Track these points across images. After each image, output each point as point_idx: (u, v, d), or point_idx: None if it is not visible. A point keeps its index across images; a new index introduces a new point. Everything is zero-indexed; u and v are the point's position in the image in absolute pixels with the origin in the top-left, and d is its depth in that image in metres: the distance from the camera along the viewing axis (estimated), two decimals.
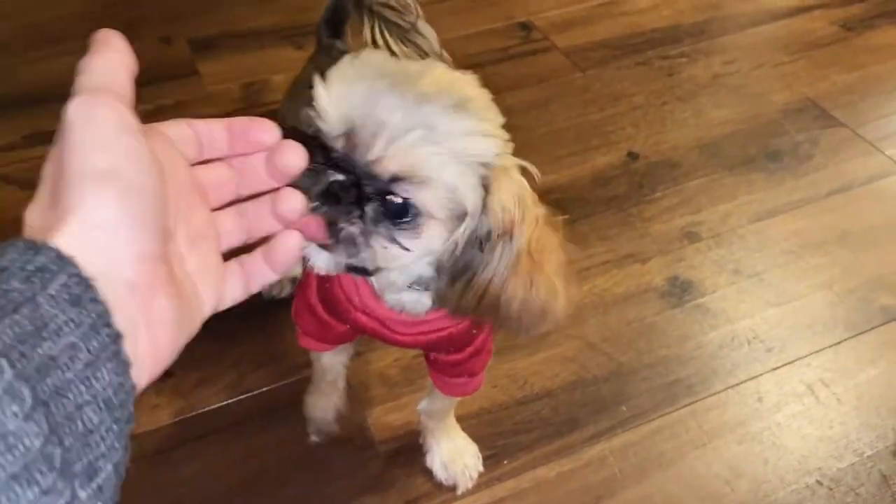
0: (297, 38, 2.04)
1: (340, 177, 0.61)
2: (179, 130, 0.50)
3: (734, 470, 1.21)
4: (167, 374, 1.37)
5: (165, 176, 0.43)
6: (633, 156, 1.76)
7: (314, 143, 0.62)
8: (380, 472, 1.20)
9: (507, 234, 0.67)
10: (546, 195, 1.67)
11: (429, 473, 1.20)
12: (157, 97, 1.90)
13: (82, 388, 0.35)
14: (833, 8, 2.23)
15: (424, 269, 0.72)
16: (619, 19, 2.17)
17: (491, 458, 1.22)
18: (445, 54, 1.06)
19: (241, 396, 1.30)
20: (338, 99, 0.62)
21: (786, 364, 1.35)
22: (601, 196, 1.66)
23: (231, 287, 0.50)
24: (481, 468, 1.20)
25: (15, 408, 0.31)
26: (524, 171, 0.69)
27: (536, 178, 0.69)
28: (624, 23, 2.16)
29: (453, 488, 1.18)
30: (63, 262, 0.36)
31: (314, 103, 0.63)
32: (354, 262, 0.65)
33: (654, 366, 1.35)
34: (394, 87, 0.62)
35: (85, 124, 0.40)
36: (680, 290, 1.47)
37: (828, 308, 1.44)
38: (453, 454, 1.18)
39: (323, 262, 0.65)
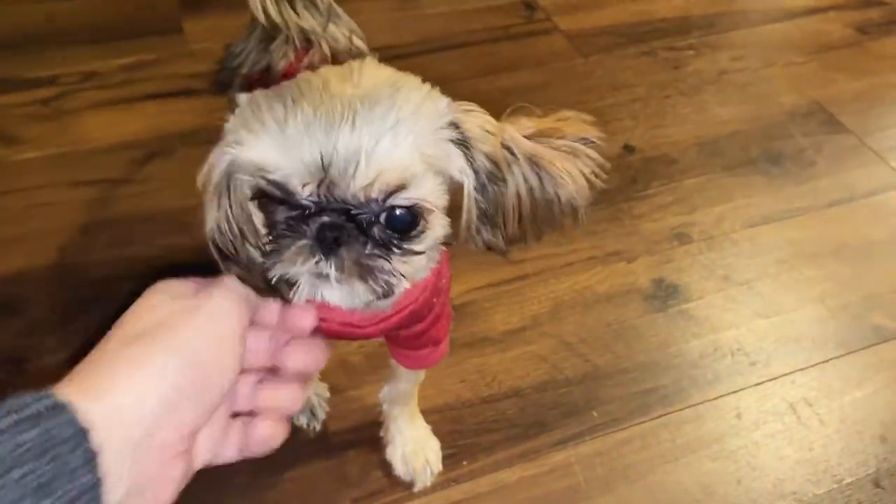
0: None
1: (328, 218, 0.59)
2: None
3: (705, 489, 1.15)
4: None
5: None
6: (629, 149, 1.68)
7: (277, 194, 0.59)
8: (330, 465, 1.13)
9: (504, 155, 0.65)
10: None
11: (384, 468, 1.14)
12: (138, 51, 1.83)
13: None
14: (849, 10, 2.14)
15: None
16: (628, 5, 2.09)
17: (450, 458, 1.15)
18: (356, 41, 0.97)
19: None
20: (284, 148, 0.57)
21: (769, 380, 1.28)
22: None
23: (227, 448, 0.57)
24: (441, 466, 1.14)
25: None
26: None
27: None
28: (632, 9, 2.07)
29: (409, 485, 1.12)
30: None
31: (255, 160, 0.58)
32: (377, 291, 0.62)
33: (630, 371, 1.28)
34: (330, 110, 0.57)
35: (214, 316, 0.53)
36: (665, 294, 1.40)
37: (818, 323, 1.37)
38: (416, 447, 1.12)
39: (344, 299, 0.63)
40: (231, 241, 0.63)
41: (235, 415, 0.58)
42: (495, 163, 0.64)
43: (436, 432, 1.16)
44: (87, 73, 1.76)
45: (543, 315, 1.36)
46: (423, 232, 0.63)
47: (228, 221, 0.63)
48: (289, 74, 0.91)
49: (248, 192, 0.61)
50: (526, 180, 0.66)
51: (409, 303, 0.83)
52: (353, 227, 0.59)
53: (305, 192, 0.58)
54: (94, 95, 1.71)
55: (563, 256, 1.45)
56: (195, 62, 1.80)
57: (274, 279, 0.61)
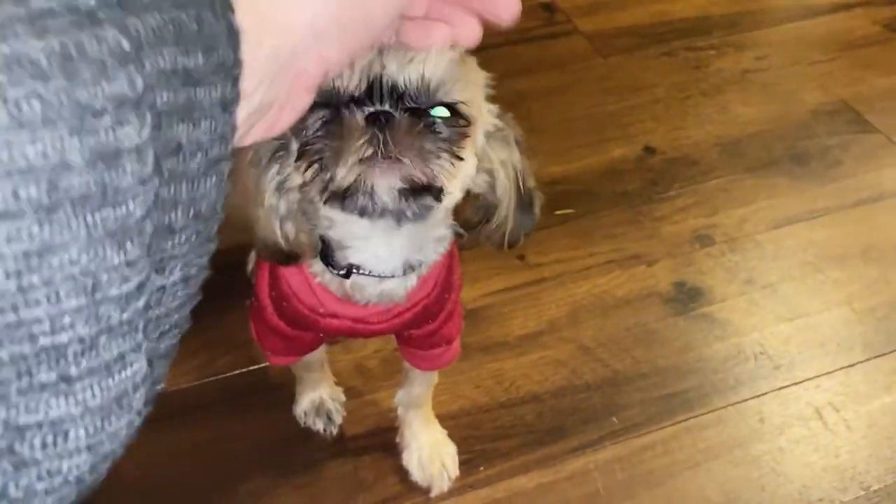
0: None
1: (383, 106, 0.60)
2: None
3: (728, 495, 1.12)
4: None
5: None
6: (649, 150, 1.66)
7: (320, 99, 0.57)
8: (345, 470, 1.13)
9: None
10: (552, 186, 1.57)
11: (400, 474, 1.13)
12: None
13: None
14: (877, 6, 2.09)
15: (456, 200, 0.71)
16: (647, 6, 2.06)
17: (467, 464, 1.14)
18: None
19: (209, 379, 1.23)
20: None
21: (793, 384, 1.25)
22: (611, 191, 1.56)
23: None
24: (458, 471, 1.13)
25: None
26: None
27: None
28: (652, 10, 2.05)
29: (424, 491, 1.11)
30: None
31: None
32: (422, 178, 0.62)
33: (650, 376, 1.26)
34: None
35: None
36: (686, 297, 1.38)
37: (844, 326, 1.34)
38: (432, 451, 1.11)
39: (387, 185, 0.62)
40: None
41: None
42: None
43: (452, 438, 1.15)
44: None
45: (561, 319, 1.34)
46: (463, 138, 0.64)
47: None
48: None
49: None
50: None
51: (422, 297, 0.83)
52: (407, 115, 0.61)
53: (352, 84, 0.60)
54: None
55: (581, 260, 1.43)
56: None
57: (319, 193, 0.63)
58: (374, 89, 0.60)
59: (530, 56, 1.90)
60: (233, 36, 0.36)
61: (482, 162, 0.69)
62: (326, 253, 0.76)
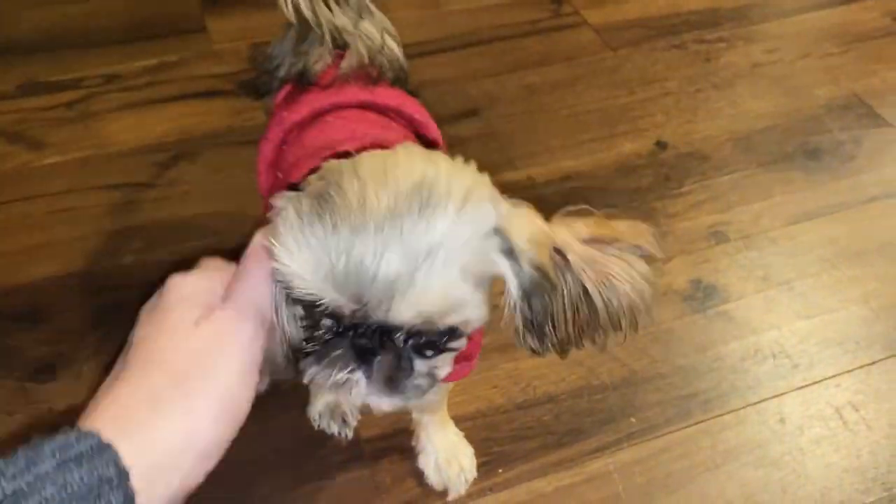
0: None
1: (363, 341, 0.59)
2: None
3: (748, 498, 1.11)
4: None
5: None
6: (661, 145, 1.64)
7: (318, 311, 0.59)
8: (361, 474, 1.11)
9: (555, 262, 0.62)
10: (564, 182, 1.54)
11: (416, 477, 1.11)
12: (161, 52, 1.81)
13: None
14: None
15: None
16: None
17: (485, 466, 1.12)
18: (388, 40, 0.94)
19: None
20: (325, 279, 0.56)
21: (813, 383, 1.24)
22: (624, 187, 1.54)
23: None
24: (476, 474, 1.11)
25: None
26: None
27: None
28: (661, 2, 2.03)
29: (442, 494, 1.09)
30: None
31: (298, 284, 0.57)
32: (411, 398, 0.63)
33: (668, 376, 1.24)
34: (368, 229, 0.54)
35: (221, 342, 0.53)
36: (703, 295, 1.36)
37: (863, 324, 1.33)
38: (449, 454, 1.09)
39: (390, 406, 0.63)
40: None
41: None
42: (544, 273, 0.62)
43: (469, 440, 1.13)
44: (110, 75, 1.74)
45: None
46: (461, 337, 0.62)
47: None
48: (325, 79, 0.88)
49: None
50: (580, 286, 0.63)
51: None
52: (392, 347, 0.60)
53: (346, 311, 0.57)
54: (117, 98, 1.69)
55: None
56: (219, 63, 1.78)
57: (306, 376, 0.62)
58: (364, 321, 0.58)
59: (539, 49, 1.88)
60: (122, 474, 0.44)
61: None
62: None
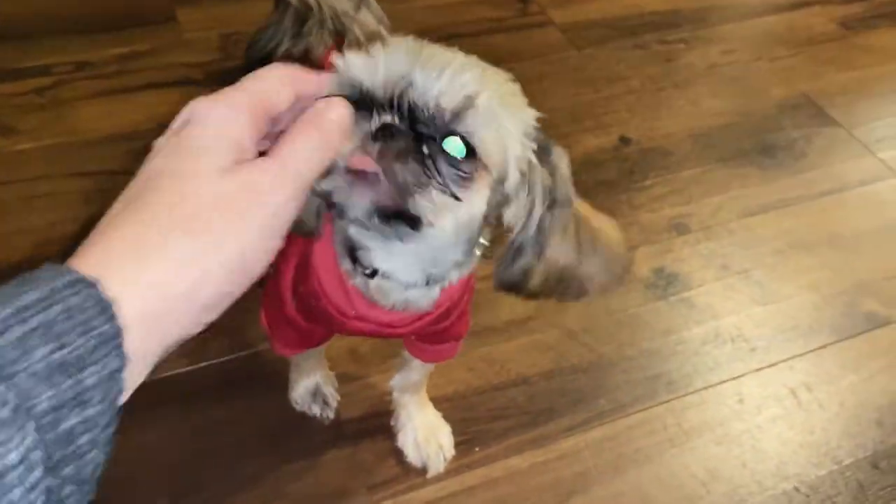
0: None
1: (393, 119, 0.57)
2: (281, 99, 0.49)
3: (711, 472, 1.17)
4: None
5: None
6: (625, 140, 1.70)
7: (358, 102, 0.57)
8: (344, 454, 1.14)
9: (568, 201, 0.66)
10: None
11: (396, 456, 1.15)
12: (132, 41, 1.81)
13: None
14: (833, 5, 2.18)
15: (461, 239, 0.69)
16: None
17: (463, 445, 1.16)
18: (383, 30, 0.97)
19: (200, 364, 1.23)
20: (382, 59, 0.59)
21: (769, 366, 1.32)
22: (590, 180, 1.60)
23: None
24: (454, 452, 1.15)
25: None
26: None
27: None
28: (623, 2, 2.09)
29: (422, 472, 1.13)
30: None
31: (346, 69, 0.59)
32: (405, 207, 0.59)
33: (634, 358, 1.31)
34: (430, 53, 0.59)
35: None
36: (665, 283, 1.43)
37: (814, 310, 1.41)
38: (428, 433, 1.13)
39: (360, 205, 0.59)
40: None
41: None
42: (566, 196, 0.65)
43: (448, 420, 1.17)
44: (80, 62, 1.74)
45: (547, 305, 1.36)
46: (468, 179, 0.60)
47: None
48: (327, 62, 0.91)
49: None
50: (575, 231, 0.67)
51: (445, 301, 0.83)
52: (412, 135, 0.58)
53: (385, 95, 0.58)
54: (89, 86, 1.69)
55: None
56: (190, 52, 1.78)
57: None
58: (394, 102, 0.58)
59: (506, 46, 1.92)
60: (106, 308, 0.37)
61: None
62: (353, 251, 0.76)
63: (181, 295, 0.41)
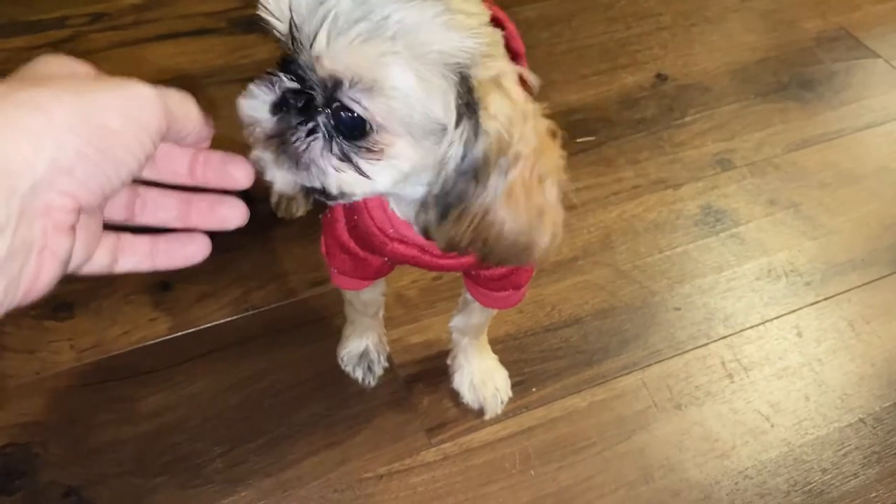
0: None
1: (293, 84, 0.56)
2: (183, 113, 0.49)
3: (774, 406, 1.15)
4: (164, 287, 1.24)
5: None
6: (661, 77, 1.65)
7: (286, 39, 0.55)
8: (401, 397, 1.11)
9: (501, 158, 0.57)
10: (570, 115, 1.53)
11: (452, 399, 1.12)
12: None
13: None
14: None
15: (418, 192, 0.62)
16: None
17: (519, 386, 1.13)
18: None
19: (245, 314, 1.19)
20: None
21: (825, 299, 1.28)
22: (629, 118, 1.56)
23: (98, 256, 0.48)
24: (511, 394, 1.12)
25: None
26: (521, 80, 0.59)
27: (534, 88, 0.60)
28: None
29: (479, 413, 1.10)
30: None
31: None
32: (308, 183, 0.59)
33: (688, 295, 1.27)
34: None
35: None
36: (713, 219, 1.39)
37: (866, 243, 1.37)
38: (485, 375, 1.10)
39: (278, 179, 0.59)
40: None
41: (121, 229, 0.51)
42: (487, 160, 0.56)
43: (502, 361, 1.14)
44: (96, 14, 1.68)
45: (594, 245, 1.33)
46: (373, 150, 0.56)
47: None
48: None
49: None
50: (500, 196, 0.58)
51: None
52: (305, 103, 0.56)
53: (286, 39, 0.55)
54: (106, 37, 1.63)
55: (607, 186, 1.42)
56: (208, 1, 1.72)
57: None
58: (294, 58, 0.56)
59: None
60: None
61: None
62: None
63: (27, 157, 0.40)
